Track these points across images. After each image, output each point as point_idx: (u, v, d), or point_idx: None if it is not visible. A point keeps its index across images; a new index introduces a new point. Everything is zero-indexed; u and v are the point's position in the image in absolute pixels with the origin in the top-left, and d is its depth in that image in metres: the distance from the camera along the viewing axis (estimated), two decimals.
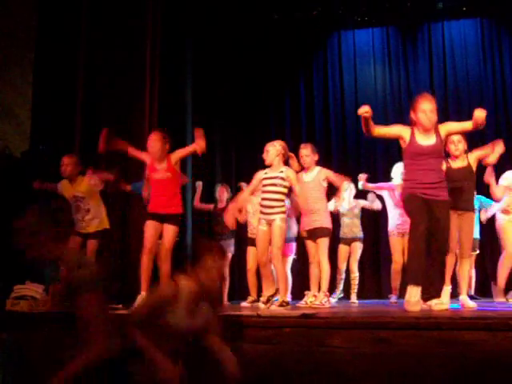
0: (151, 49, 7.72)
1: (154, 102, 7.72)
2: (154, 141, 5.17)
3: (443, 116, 9.38)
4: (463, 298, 4.96)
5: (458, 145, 5.07)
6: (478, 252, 6.47)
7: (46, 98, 7.40)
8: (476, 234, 5.93)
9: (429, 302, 4.29)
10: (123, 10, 7.59)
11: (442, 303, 4.24)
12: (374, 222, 8.47)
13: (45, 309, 4.88)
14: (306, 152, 5.59)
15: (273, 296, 5.01)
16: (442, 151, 4.41)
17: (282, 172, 5.09)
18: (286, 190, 5.13)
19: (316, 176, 5.55)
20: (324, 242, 5.44)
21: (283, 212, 5.08)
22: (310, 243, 5.58)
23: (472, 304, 4.86)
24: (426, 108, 4.43)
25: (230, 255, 7.00)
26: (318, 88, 10.07)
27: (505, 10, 9.28)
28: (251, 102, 10.00)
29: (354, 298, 6.67)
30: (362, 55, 9.94)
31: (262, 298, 5.08)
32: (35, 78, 7.49)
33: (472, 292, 7.06)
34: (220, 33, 9.50)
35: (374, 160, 9.36)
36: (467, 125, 4.47)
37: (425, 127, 4.40)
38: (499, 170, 6.15)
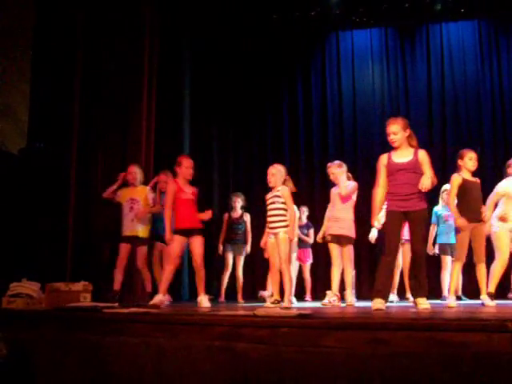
0: (149, 48, 7.73)
1: (151, 101, 7.74)
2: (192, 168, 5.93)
3: (440, 117, 9.48)
4: (483, 297, 5.41)
5: (475, 162, 5.53)
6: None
7: (44, 96, 7.40)
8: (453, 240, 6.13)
9: (416, 300, 4.79)
10: (121, 9, 7.60)
11: (425, 303, 4.66)
12: (370, 221, 8.47)
13: (41, 307, 4.88)
14: (331, 170, 6.43)
15: (279, 301, 5.57)
16: (417, 168, 4.77)
17: (278, 191, 5.67)
18: (285, 206, 5.64)
19: (344, 190, 6.28)
20: (348, 249, 6.26)
21: (286, 226, 5.61)
22: (333, 246, 6.31)
23: (492, 303, 5.29)
24: (390, 131, 4.93)
25: (242, 258, 7.97)
26: (315, 88, 10.08)
27: (502, 12, 9.32)
28: (249, 102, 10.01)
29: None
30: (360, 56, 9.96)
31: (270, 299, 5.78)
32: (33, 75, 7.49)
33: (460, 293, 7.21)
34: (218, 33, 9.51)
35: (371, 160, 9.35)
36: (428, 172, 4.75)
37: (395, 147, 4.92)
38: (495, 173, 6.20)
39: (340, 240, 6.27)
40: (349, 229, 6.25)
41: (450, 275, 5.80)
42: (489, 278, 5.64)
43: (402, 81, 9.76)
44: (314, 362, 2.98)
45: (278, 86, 10.12)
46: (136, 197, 6.41)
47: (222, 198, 9.52)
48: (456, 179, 5.48)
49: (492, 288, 5.62)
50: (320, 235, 6.71)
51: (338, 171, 6.38)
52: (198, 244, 5.73)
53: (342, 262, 6.37)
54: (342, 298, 6.46)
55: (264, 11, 9.50)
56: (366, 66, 9.92)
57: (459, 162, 5.56)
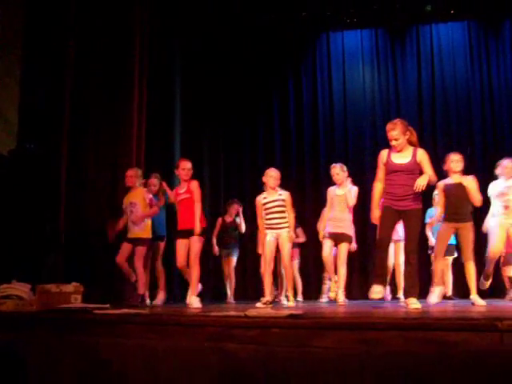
0: (140, 47, 7.72)
1: (142, 101, 7.73)
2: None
3: (431, 117, 9.52)
4: (473, 297, 5.53)
5: (458, 163, 5.77)
6: (455, 256, 6.93)
7: (34, 96, 7.35)
8: (452, 240, 6.33)
9: (407, 300, 4.88)
10: (112, 9, 7.58)
11: (416, 303, 4.73)
12: (362, 221, 8.50)
13: (32, 308, 4.86)
14: (336, 171, 6.64)
15: (271, 302, 5.83)
16: (415, 169, 4.92)
17: (280, 195, 6.01)
18: (285, 209, 6.01)
19: (346, 192, 6.56)
20: (345, 247, 6.47)
21: (288, 226, 6.00)
22: (327, 241, 6.57)
23: (482, 302, 5.42)
24: (391, 137, 4.97)
25: (235, 259, 8.25)
26: (306, 89, 10.10)
27: (492, 14, 9.38)
28: (239, 102, 10.01)
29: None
30: (351, 56, 9.99)
31: (262, 300, 5.90)
32: (23, 75, 7.44)
33: (450, 293, 7.30)
34: (208, 33, 9.50)
35: (362, 160, 9.40)
36: (428, 170, 4.91)
37: (395, 149, 5.00)
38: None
39: (338, 237, 6.51)
40: (348, 227, 6.54)
41: (434, 272, 6.07)
42: (485, 266, 6.03)
43: (393, 81, 9.79)
44: (306, 363, 2.99)
45: (268, 86, 10.12)
46: (134, 200, 6.49)
47: (212, 198, 9.51)
48: (438, 186, 5.82)
49: (485, 275, 6.00)
50: (321, 236, 6.90)
51: (343, 174, 6.63)
52: (193, 243, 5.87)
53: (336, 261, 6.60)
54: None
55: (255, 11, 9.49)
56: (357, 67, 9.95)
57: (445, 167, 5.87)
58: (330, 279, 6.98)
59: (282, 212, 5.99)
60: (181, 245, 5.97)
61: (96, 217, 7.23)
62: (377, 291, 4.80)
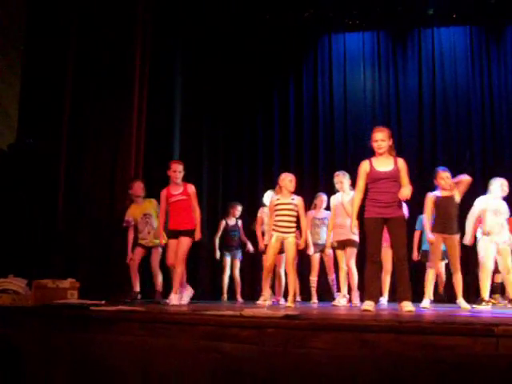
0: (141, 48, 7.70)
1: (142, 100, 7.73)
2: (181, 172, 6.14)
3: (431, 122, 9.51)
4: (459, 300, 5.88)
5: (446, 180, 5.99)
6: (447, 261, 6.91)
7: (35, 91, 7.36)
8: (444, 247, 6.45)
9: (401, 304, 4.92)
10: (114, 8, 7.57)
11: (410, 306, 4.82)
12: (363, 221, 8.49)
13: (28, 303, 4.86)
14: (340, 179, 6.81)
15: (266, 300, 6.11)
16: (397, 177, 5.04)
17: (293, 199, 6.12)
18: (295, 214, 6.09)
19: (351, 199, 6.40)
20: (352, 252, 6.64)
21: (295, 232, 6.09)
22: (339, 252, 6.79)
23: (467, 305, 5.78)
24: (377, 138, 5.15)
25: (239, 262, 8.33)
26: (307, 89, 10.07)
27: (493, 19, 9.38)
28: (240, 103, 9.98)
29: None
30: (352, 58, 9.96)
31: (261, 298, 6.26)
32: (23, 70, 7.45)
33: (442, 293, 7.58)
34: (211, 33, 9.48)
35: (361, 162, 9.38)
36: (405, 181, 5.04)
37: (378, 153, 5.15)
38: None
39: (344, 244, 6.67)
40: (351, 233, 6.49)
41: (425, 281, 6.27)
42: (480, 286, 6.35)
43: (393, 84, 9.77)
44: (300, 363, 2.99)
45: (269, 87, 10.09)
46: (149, 211, 6.80)
47: (211, 198, 9.51)
48: (429, 198, 6.07)
49: (484, 293, 6.27)
50: (328, 243, 7.03)
51: (346, 182, 6.75)
52: (181, 243, 5.97)
53: (340, 264, 6.80)
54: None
55: (257, 11, 9.48)
56: (358, 69, 9.92)
57: (434, 181, 6.09)
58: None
59: (292, 216, 6.06)
60: (172, 244, 6.08)
61: (94, 214, 7.24)
62: (369, 304, 4.85)
